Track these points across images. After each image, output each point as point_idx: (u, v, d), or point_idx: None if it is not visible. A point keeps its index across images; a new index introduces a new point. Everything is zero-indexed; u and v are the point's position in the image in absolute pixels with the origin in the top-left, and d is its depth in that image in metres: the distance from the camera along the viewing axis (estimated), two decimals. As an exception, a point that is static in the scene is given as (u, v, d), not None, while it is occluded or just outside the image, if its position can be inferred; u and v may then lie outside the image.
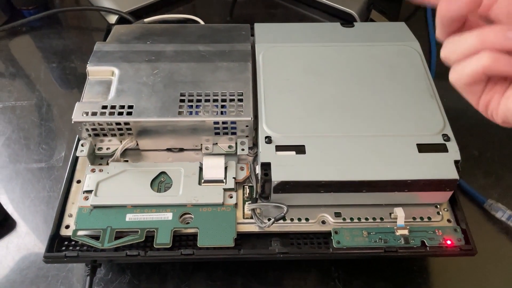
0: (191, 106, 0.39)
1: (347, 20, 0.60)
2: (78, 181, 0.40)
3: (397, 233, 0.36)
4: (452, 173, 0.35)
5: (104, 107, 0.39)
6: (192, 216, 0.37)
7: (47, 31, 0.63)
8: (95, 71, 0.42)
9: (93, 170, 0.39)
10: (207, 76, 0.42)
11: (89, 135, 0.39)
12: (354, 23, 0.49)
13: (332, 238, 0.35)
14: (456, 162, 0.36)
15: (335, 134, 0.37)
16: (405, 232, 0.36)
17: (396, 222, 0.36)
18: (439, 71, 0.55)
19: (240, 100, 0.40)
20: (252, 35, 0.48)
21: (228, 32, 0.48)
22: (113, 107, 0.39)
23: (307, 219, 0.37)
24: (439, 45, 0.58)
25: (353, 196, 0.37)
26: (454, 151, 0.37)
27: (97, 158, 0.41)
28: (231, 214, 0.37)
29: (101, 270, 0.39)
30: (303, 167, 0.36)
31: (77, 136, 0.40)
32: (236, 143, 0.40)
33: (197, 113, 0.39)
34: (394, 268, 0.40)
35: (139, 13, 0.62)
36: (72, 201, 0.38)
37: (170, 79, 0.41)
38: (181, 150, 0.41)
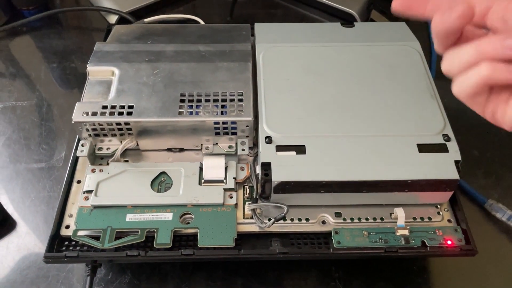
0: (191, 106, 0.39)
1: (347, 20, 0.60)
2: (79, 181, 0.40)
3: (398, 233, 0.36)
4: (452, 173, 0.35)
5: (105, 107, 0.39)
6: (192, 216, 0.37)
7: (47, 31, 0.63)
8: (95, 71, 0.42)
9: (93, 170, 0.39)
10: (207, 76, 0.42)
11: (89, 135, 0.39)
12: (355, 23, 0.49)
13: (332, 238, 0.35)
14: (456, 162, 0.36)
15: (336, 134, 0.37)
16: (406, 232, 0.36)
17: (396, 222, 0.36)
18: (440, 71, 0.55)
19: (240, 100, 0.40)
20: (252, 35, 0.48)
21: (228, 32, 0.48)
22: (113, 107, 0.39)
23: (307, 219, 0.37)
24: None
25: (353, 196, 0.37)
26: (454, 151, 0.36)
27: (97, 158, 0.41)
28: (231, 214, 0.37)
29: (102, 270, 0.39)
30: (303, 167, 0.35)
31: (77, 136, 0.40)
32: (236, 143, 0.40)
33: (197, 113, 0.39)
34: (394, 268, 0.40)
35: (139, 13, 0.62)
36: (72, 201, 0.38)
37: (170, 79, 0.41)
38: (182, 150, 0.41)
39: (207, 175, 0.38)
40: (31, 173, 0.47)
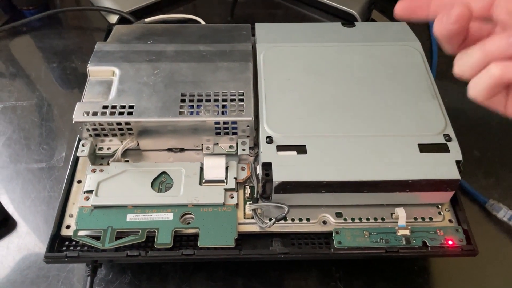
0: (192, 106, 0.39)
1: (348, 20, 0.60)
2: (79, 181, 0.40)
3: (399, 233, 0.36)
4: (453, 173, 0.35)
5: (105, 107, 0.39)
6: (193, 216, 0.36)
7: (48, 31, 0.63)
8: (95, 71, 0.42)
9: (93, 170, 0.39)
10: (208, 76, 0.42)
11: (90, 135, 0.39)
12: (355, 23, 0.49)
13: (333, 238, 0.35)
14: (457, 162, 0.36)
15: (336, 134, 0.37)
16: (407, 232, 0.36)
17: (397, 222, 0.36)
18: (441, 71, 0.55)
19: (241, 100, 0.40)
20: (253, 35, 0.48)
21: (229, 32, 0.48)
22: (113, 107, 0.39)
23: (308, 219, 0.37)
24: (440, 45, 0.58)
25: (354, 196, 0.37)
26: (455, 151, 0.36)
27: (98, 158, 0.41)
28: (232, 214, 0.37)
29: (102, 270, 0.39)
30: (304, 167, 0.35)
31: (78, 136, 0.40)
32: (237, 143, 0.40)
33: (198, 113, 0.39)
34: (395, 269, 0.40)
35: (139, 13, 0.62)
36: (72, 201, 0.38)
37: (171, 79, 0.41)
38: (182, 150, 0.41)
39: (207, 175, 0.38)
40: (32, 173, 0.46)
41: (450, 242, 0.35)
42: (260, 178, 0.36)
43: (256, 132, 0.40)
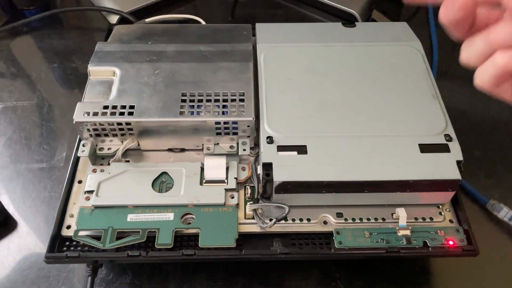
0: (192, 106, 0.39)
1: (348, 20, 0.60)
2: (80, 181, 0.40)
3: (399, 234, 0.36)
4: (454, 174, 0.35)
5: (106, 107, 0.39)
6: (194, 217, 0.36)
7: (48, 31, 0.63)
8: (96, 71, 0.42)
9: (94, 170, 0.39)
10: (209, 76, 0.42)
11: (91, 135, 0.39)
12: (356, 23, 0.49)
13: (333, 238, 0.35)
14: (458, 162, 0.36)
15: (337, 134, 0.37)
16: (407, 232, 0.36)
17: (398, 222, 0.36)
18: (441, 71, 0.55)
19: (242, 100, 0.40)
20: (254, 35, 0.48)
21: (229, 32, 0.48)
22: (114, 107, 0.39)
23: (308, 220, 0.37)
24: (440, 45, 0.58)
25: (355, 196, 0.36)
26: (456, 151, 0.36)
27: (99, 158, 0.41)
28: (232, 215, 0.37)
29: (103, 270, 0.39)
30: (304, 167, 0.35)
31: (78, 136, 0.40)
32: (237, 143, 0.40)
33: (198, 113, 0.39)
34: (396, 269, 0.40)
35: (140, 13, 0.62)
36: (73, 201, 0.38)
37: (172, 79, 0.41)
38: (183, 150, 0.41)
39: (208, 175, 0.38)
40: (32, 173, 0.46)
41: (450, 242, 0.35)
42: (261, 178, 0.36)
43: (256, 132, 0.40)
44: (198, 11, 0.66)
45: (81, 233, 0.36)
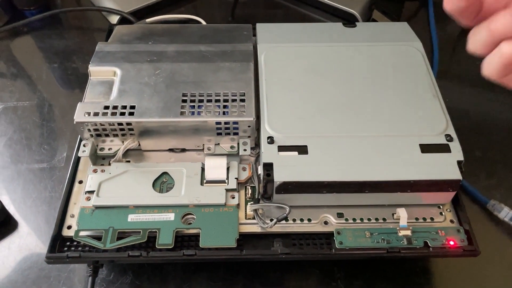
0: (193, 107, 0.39)
1: (349, 20, 0.60)
2: (80, 182, 0.39)
3: (400, 234, 0.36)
4: (455, 174, 0.35)
5: (106, 107, 0.39)
6: (194, 217, 0.36)
7: (49, 31, 0.63)
8: (97, 71, 0.42)
9: (95, 171, 0.39)
10: (209, 76, 0.42)
11: (91, 135, 0.39)
12: (356, 23, 0.49)
13: (334, 238, 0.35)
14: (459, 162, 0.36)
15: (338, 134, 0.37)
16: (408, 232, 0.36)
17: (398, 222, 0.36)
18: (442, 71, 0.55)
19: (242, 101, 0.40)
20: (254, 35, 0.48)
21: (229, 32, 0.48)
22: (115, 107, 0.39)
23: (309, 220, 0.37)
24: (441, 45, 0.58)
25: (355, 196, 0.36)
26: (457, 152, 0.36)
27: (99, 159, 0.41)
28: (233, 215, 0.37)
29: (103, 270, 0.39)
30: (305, 167, 0.35)
31: (79, 136, 0.40)
32: (238, 144, 0.40)
33: (199, 113, 0.39)
34: (396, 269, 0.40)
35: (140, 14, 0.62)
36: (74, 202, 0.38)
37: (172, 80, 0.41)
38: (183, 150, 0.41)
39: (209, 176, 0.38)
40: (33, 174, 0.47)
41: (451, 243, 0.35)
42: (261, 178, 0.36)
43: (257, 132, 0.40)
44: (199, 11, 0.66)
45: (82, 233, 0.36)
